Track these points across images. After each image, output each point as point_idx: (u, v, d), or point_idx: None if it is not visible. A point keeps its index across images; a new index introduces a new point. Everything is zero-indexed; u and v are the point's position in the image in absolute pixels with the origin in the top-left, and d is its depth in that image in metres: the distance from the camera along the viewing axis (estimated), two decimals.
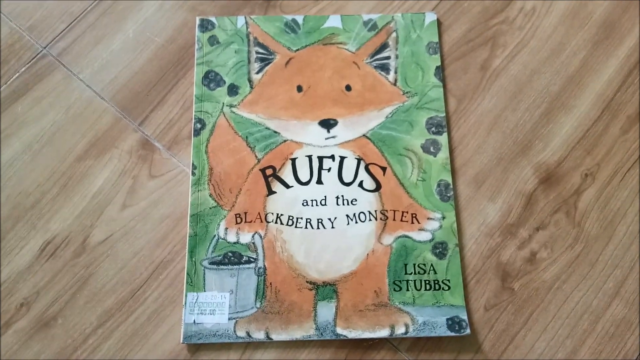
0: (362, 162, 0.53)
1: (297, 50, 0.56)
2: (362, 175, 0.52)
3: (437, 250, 0.50)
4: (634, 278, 0.50)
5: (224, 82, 0.55)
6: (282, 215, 0.51)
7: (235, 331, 0.48)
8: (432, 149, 0.53)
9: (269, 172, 0.52)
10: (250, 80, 0.55)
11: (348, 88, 0.55)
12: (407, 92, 0.55)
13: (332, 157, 0.53)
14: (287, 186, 0.52)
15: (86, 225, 0.51)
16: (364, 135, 0.54)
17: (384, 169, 0.53)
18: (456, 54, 0.57)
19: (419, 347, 0.48)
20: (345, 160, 0.53)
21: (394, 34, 0.57)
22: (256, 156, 0.53)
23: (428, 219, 0.51)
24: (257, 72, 0.55)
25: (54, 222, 0.51)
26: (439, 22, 0.58)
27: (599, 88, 0.55)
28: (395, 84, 0.55)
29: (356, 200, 0.52)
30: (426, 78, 0.55)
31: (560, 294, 0.50)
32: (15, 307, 0.49)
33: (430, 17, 0.57)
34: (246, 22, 0.57)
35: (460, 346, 0.48)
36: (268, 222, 0.51)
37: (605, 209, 0.52)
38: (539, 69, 0.56)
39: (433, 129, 0.54)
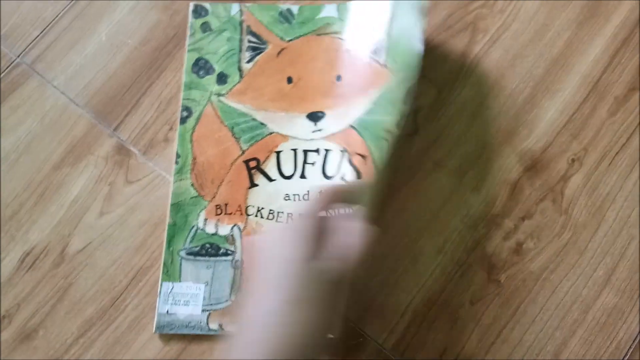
0: (345, 154, 0.51)
1: (290, 40, 0.55)
2: (345, 167, 0.51)
3: None
4: (624, 265, 0.49)
5: (214, 70, 0.54)
6: (262, 208, 0.50)
7: (207, 323, 0.47)
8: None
9: (252, 164, 0.51)
10: (240, 70, 0.54)
11: (339, 78, 0.53)
12: (395, 72, 0.52)
13: (317, 150, 0.52)
14: (270, 179, 0.51)
15: (64, 234, 0.51)
16: (350, 125, 0.52)
17: (365, 157, 0.51)
18: (436, 41, 0.55)
19: (403, 346, 0.47)
20: (329, 153, 0.52)
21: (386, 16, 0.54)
22: (241, 147, 0.52)
23: None
24: (248, 62, 0.54)
25: (32, 232, 0.51)
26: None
27: (585, 69, 0.54)
28: (385, 67, 0.53)
29: None
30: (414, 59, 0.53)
31: (549, 285, 0.48)
32: None
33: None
34: (240, 10, 0.56)
35: (447, 343, 0.47)
36: (248, 215, 0.50)
37: (594, 195, 0.50)
38: (522, 53, 0.54)
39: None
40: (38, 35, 0.57)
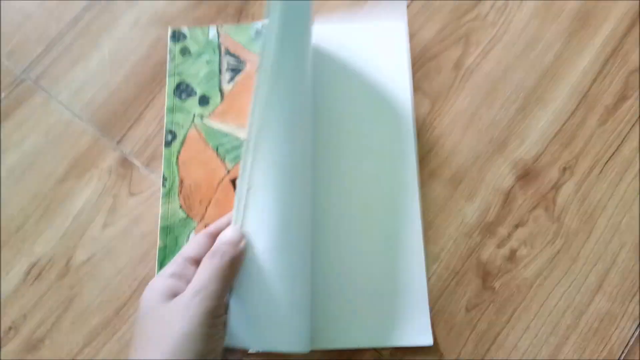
0: None
1: None
2: None
3: None
4: (616, 271, 0.50)
5: (195, 93, 0.55)
6: None
7: None
8: None
9: None
10: (221, 91, 0.55)
11: None
12: None
13: None
14: None
15: (69, 246, 0.52)
16: None
17: None
18: (429, 54, 0.56)
19: (401, 352, 0.48)
20: None
21: None
22: (226, 167, 0.53)
23: None
24: (228, 82, 0.55)
25: (38, 244, 0.52)
26: (410, 23, 0.57)
27: (575, 80, 0.55)
28: None
29: None
30: None
31: (542, 291, 0.50)
32: (4, 331, 0.50)
33: None
34: (217, 33, 0.57)
35: (443, 349, 0.48)
36: None
37: (585, 203, 0.52)
38: (513, 64, 0.56)
39: None
40: (42, 53, 0.59)
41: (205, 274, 0.38)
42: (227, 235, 0.41)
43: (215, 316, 0.37)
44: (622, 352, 0.48)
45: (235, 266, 0.40)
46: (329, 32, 0.57)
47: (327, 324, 0.48)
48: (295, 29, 0.46)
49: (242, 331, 0.40)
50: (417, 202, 0.51)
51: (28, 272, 0.52)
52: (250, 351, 0.47)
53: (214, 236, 0.42)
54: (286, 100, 0.44)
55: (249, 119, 0.43)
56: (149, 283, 0.40)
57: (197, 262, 0.40)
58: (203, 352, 0.36)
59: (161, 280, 0.39)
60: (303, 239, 0.45)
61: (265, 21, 0.44)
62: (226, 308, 0.40)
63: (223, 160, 0.53)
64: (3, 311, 0.51)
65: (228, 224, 0.43)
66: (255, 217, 0.42)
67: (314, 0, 0.51)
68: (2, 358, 0.49)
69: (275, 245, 0.42)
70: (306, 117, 0.47)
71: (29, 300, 0.51)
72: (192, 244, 0.42)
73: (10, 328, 0.50)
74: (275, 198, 0.43)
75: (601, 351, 0.48)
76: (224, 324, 0.39)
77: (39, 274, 0.51)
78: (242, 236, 0.41)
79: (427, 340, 0.48)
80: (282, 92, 0.43)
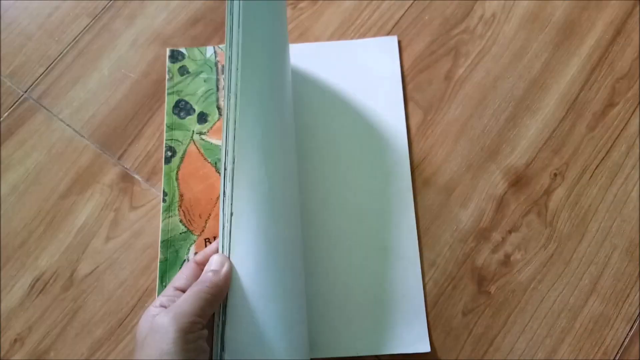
0: None
1: None
2: None
3: None
4: (608, 273, 0.51)
5: (194, 111, 0.57)
6: None
7: None
8: None
9: None
10: (219, 108, 0.57)
11: None
12: None
13: None
14: None
15: (72, 259, 0.53)
16: None
17: None
18: (420, 66, 0.58)
19: (400, 356, 0.49)
20: None
21: None
22: None
23: None
24: None
25: (42, 259, 0.53)
26: (401, 36, 0.59)
27: (563, 88, 0.57)
28: None
29: None
30: None
31: (537, 294, 0.51)
32: (10, 343, 0.51)
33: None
34: (215, 52, 0.59)
35: (441, 353, 0.49)
36: None
37: (576, 207, 0.53)
38: (502, 75, 0.57)
39: None
40: (43, 72, 0.60)
41: (183, 298, 0.40)
42: (211, 263, 0.43)
43: (188, 332, 0.39)
44: (617, 353, 0.49)
45: (218, 292, 0.41)
46: (320, 48, 0.58)
47: (326, 333, 0.49)
48: (261, 41, 0.45)
49: (239, 351, 0.41)
50: (412, 210, 0.52)
51: (32, 286, 0.53)
52: None
53: (202, 264, 0.44)
54: (258, 121, 0.44)
55: (222, 145, 0.43)
56: (144, 312, 0.41)
57: (185, 291, 0.42)
58: None
59: (152, 310, 0.41)
60: (292, 256, 0.45)
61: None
62: (205, 325, 0.41)
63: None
64: (9, 324, 0.51)
65: (215, 251, 0.45)
66: (241, 242, 0.43)
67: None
68: None
69: (263, 267, 0.43)
70: (285, 133, 0.47)
71: (33, 312, 0.52)
72: (181, 274, 0.45)
73: (15, 340, 0.51)
74: (259, 221, 0.43)
75: (596, 352, 0.49)
76: (204, 339, 0.40)
77: (44, 287, 0.52)
78: (224, 263, 0.42)
79: (424, 347, 0.49)
80: (252, 115, 0.44)
